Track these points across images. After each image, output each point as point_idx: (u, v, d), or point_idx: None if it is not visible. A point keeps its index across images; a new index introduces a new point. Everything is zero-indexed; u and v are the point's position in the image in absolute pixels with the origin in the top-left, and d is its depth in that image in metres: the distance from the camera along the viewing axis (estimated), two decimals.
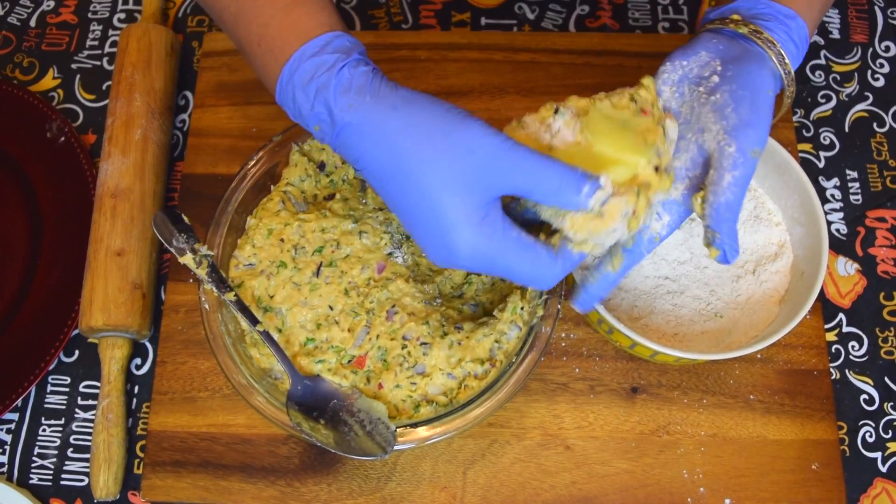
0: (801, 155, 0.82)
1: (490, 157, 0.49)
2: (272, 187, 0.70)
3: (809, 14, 0.59)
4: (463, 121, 0.50)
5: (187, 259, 0.62)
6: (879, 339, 0.76)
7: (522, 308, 0.64)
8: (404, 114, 0.51)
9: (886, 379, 0.74)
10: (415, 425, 0.60)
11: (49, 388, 0.74)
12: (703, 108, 0.57)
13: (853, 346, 0.75)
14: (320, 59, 0.52)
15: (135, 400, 0.74)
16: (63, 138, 0.81)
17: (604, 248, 0.53)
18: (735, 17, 0.59)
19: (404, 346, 0.63)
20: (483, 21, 0.89)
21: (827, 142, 0.83)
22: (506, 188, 0.50)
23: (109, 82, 0.86)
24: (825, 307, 0.76)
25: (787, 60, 0.58)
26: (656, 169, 0.53)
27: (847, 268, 0.78)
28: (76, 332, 0.76)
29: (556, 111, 0.55)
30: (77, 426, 0.73)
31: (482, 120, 0.51)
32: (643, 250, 0.57)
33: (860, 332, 0.76)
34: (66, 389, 0.74)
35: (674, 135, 0.56)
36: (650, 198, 0.53)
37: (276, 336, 0.64)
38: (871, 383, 0.74)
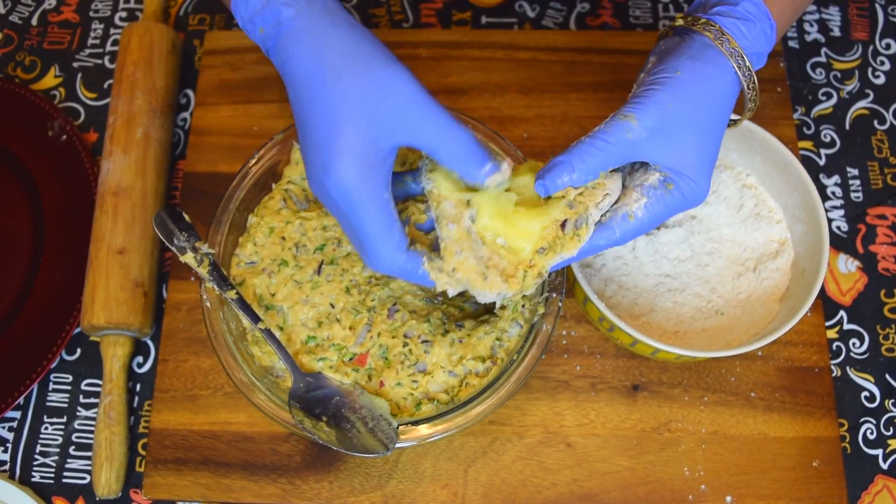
0: (801, 153, 0.82)
1: (405, 104, 0.50)
2: (273, 185, 0.70)
3: None
4: (392, 63, 0.51)
5: (188, 258, 0.63)
6: (880, 337, 0.76)
7: (524, 306, 0.64)
8: (342, 34, 0.52)
9: (887, 376, 0.74)
10: (416, 423, 0.60)
11: (51, 386, 0.75)
12: None
13: (854, 344, 0.75)
14: None
15: (137, 398, 0.74)
16: (65, 137, 0.82)
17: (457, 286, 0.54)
18: (678, 15, 0.58)
19: (405, 344, 0.63)
20: (484, 20, 0.89)
21: (828, 139, 0.83)
22: (412, 139, 0.51)
23: (111, 81, 0.86)
24: (826, 304, 0.76)
25: (728, 37, 0.54)
26: (563, 224, 0.53)
27: (848, 265, 0.78)
28: (78, 330, 0.76)
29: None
30: (79, 424, 0.73)
31: (410, 70, 0.52)
32: (615, 227, 0.55)
33: (861, 330, 0.76)
34: (68, 387, 0.74)
35: (613, 192, 0.55)
36: (543, 266, 0.54)
37: (277, 334, 0.64)
38: (872, 380, 0.74)
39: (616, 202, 0.55)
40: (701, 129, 0.54)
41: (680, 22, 0.57)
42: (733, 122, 0.62)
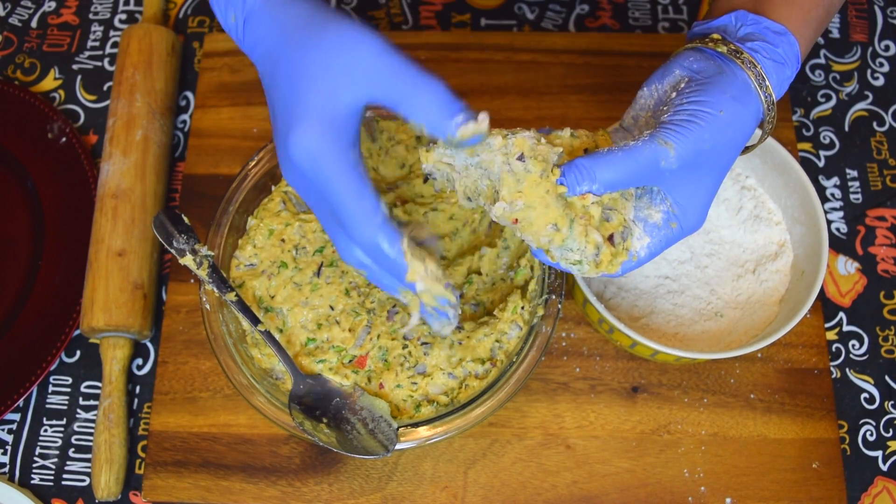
0: (801, 154, 0.82)
1: (363, 56, 0.48)
2: (273, 188, 0.70)
3: (803, 31, 0.56)
4: (350, 21, 0.49)
5: (188, 260, 0.63)
6: (880, 338, 0.76)
7: (523, 308, 0.64)
8: (300, 7, 0.51)
9: (887, 377, 0.74)
10: (416, 425, 0.60)
11: (50, 388, 0.74)
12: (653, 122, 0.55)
13: (853, 345, 0.75)
14: None
15: (136, 400, 0.74)
16: (64, 139, 0.82)
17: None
18: (715, 35, 0.56)
19: (405, 346, 0.63)
20: (483, 22, 0.89)
21: (827, 141, 0.83)
22: (375, 92, 0.48)
23: (110, 83, 0.86)
24: (825, 306, 0.77)
25: (767, 83, 0.54)
26: (610, 238, 0.52)
27: (847, 267, 0.78)
28: (77, 332, 0.76)
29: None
30: (78, 426, 0.73)
31: (366, 23, 0.50)
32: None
33: (860, 331, 0.76)
34: (68, 390, 0.74)
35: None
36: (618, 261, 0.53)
37: (277, 336, 0.64)
38: (872, 382, 0.74)
39: None
40: (719, 169, 0.54)
41: (722, 49, 0.55)
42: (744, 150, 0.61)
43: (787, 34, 0.55)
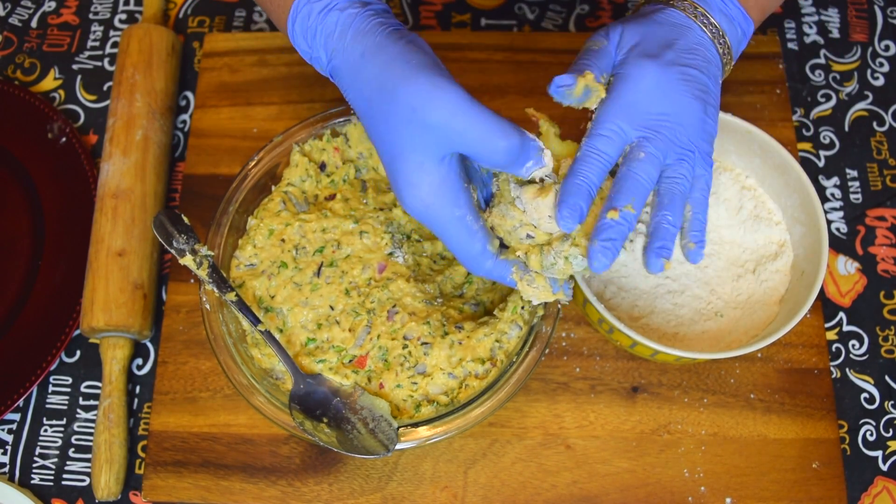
0: (800, 154, 0.82)
1: (437, 117, 0.50)
2: (273, 188, 0.70)
3: None
4: (413, 76, 0.50)
5: (188, 260, 0.63)
6: (880, 338, 0.76)
7: (523, 307, 0.64)
8: (370, 64, 0.53)
9: (887, 377, 0.74)
10: (416, 425, 0.60)
11: (50, 388, 0.74)
12: None
13: (853, 345, 0.75)
14: (311, 5, 0.54)
15: (136, 400, 0.74)
16: (64, 139, 0.82)
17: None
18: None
19: (405, 346, 0.63)
20: (483, 22, 0.89)
21: (827, 141, 0.83)
22: (455, 147, 0.51)
23: (110, 83, 0.86)
24: (825, 306, 0.77)
25: (702, 9, 0.57)
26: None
27: (847, 267, 0.78)
28: (77, 332, 0.76)
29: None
30: (78, 426, 0.73)
31: (439, 72, 0.51)
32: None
33: (860, 331, 0.76)
34: (68, 390, 0.74)
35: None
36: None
37: (277, 336, 0.64)
38: (872, 382, 0.74)
39: None
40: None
41: None
42: None
43: None
